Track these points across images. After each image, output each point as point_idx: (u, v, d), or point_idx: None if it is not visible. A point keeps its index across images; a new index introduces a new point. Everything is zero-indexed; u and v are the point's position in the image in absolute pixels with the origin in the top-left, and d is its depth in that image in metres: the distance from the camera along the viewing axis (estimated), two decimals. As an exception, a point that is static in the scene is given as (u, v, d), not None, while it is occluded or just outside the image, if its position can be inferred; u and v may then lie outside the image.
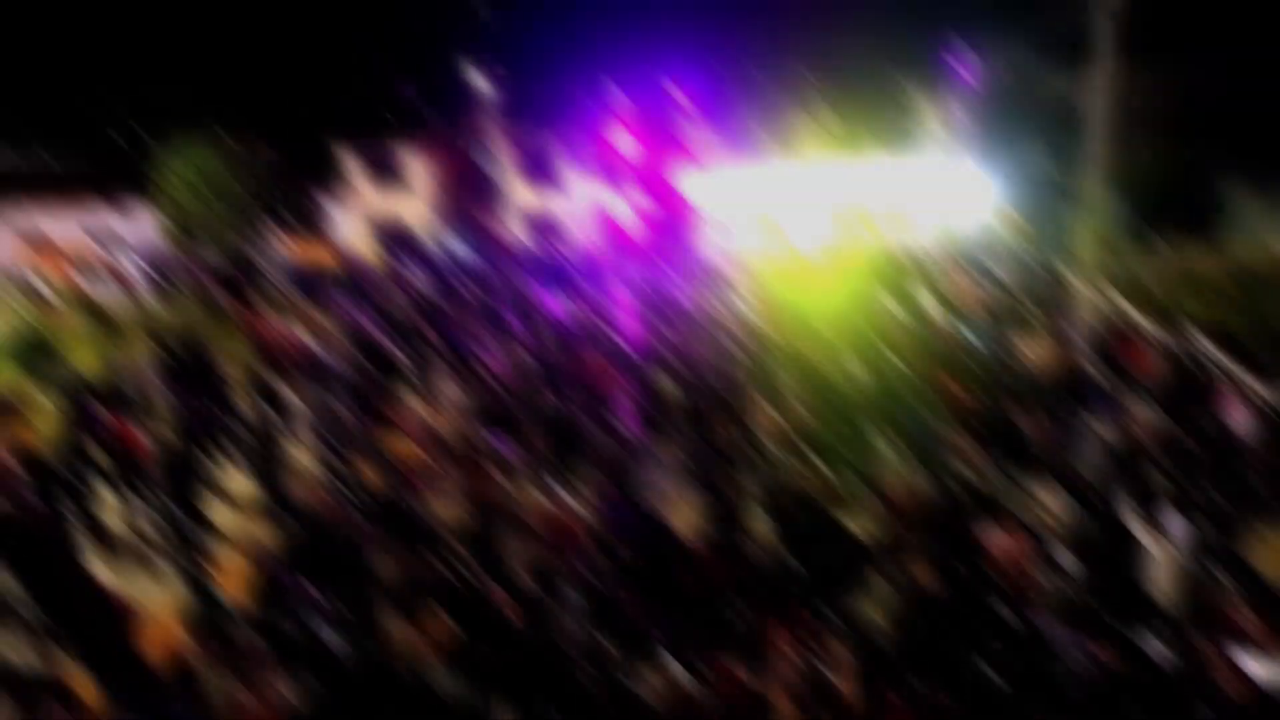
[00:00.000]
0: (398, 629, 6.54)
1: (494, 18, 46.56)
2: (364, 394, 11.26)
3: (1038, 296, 15.43)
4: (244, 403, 11.57)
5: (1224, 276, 15.93)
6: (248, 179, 18.62)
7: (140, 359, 12.91)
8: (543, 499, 8.04)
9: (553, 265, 23.35)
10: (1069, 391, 10.41)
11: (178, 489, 8.41)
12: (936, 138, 39.61)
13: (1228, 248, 18.22)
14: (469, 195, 33.77)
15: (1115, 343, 12.43)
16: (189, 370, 12.05)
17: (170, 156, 19.01)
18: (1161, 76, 25.09)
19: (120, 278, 22.32)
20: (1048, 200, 29.59)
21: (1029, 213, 28.44)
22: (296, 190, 20.22)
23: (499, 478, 8.57)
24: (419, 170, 31.09)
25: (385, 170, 30.76)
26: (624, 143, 27.48)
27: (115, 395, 10.92)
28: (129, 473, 8.90)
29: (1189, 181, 23.54)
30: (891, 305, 15.42)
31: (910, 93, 41.75)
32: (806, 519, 7.38)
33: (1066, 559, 6.78)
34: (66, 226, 28.74)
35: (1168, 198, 22.79)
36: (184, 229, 19.07)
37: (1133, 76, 23.32)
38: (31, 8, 41.89)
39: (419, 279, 20.16)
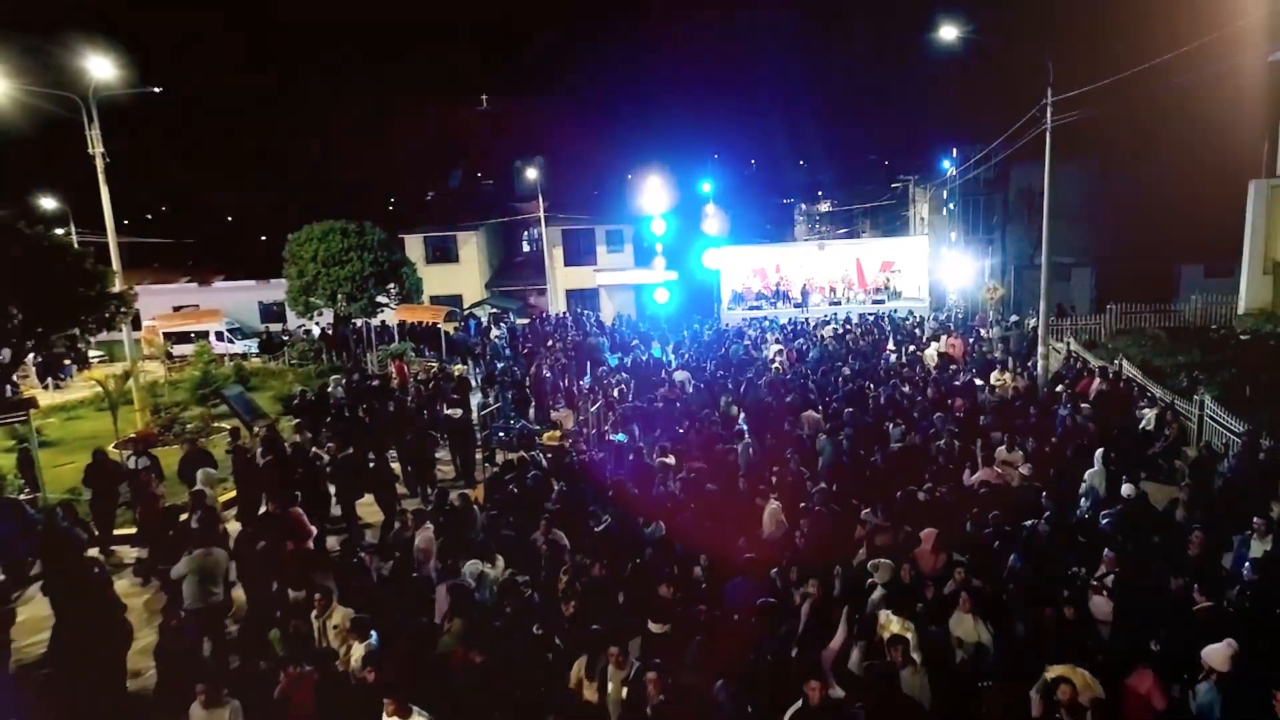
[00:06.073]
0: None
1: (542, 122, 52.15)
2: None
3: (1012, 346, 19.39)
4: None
5: (1160, 330, 19.89)
6: (361, 255, 22.58)
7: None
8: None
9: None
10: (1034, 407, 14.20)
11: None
12: (928, 220, 44.37)
13: (1170, 311, 22.22)
14: (517, 272, 38.26)
15: (1071, 375, 16.25)
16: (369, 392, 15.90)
17: (298, 239, 23.04)
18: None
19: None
20: (1022, 272, 33.97)
21: (1006, 282, 32.69)
22: (397, 265, 24.24)
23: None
24: (473, 253, 35.80)
25: (446, 253, 35.64)
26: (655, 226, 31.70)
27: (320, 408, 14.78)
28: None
29: (1144, 258, 27.71)
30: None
31: (906, 183, 46.88)
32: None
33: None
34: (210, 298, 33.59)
35: (1128, 271, 27.01)
36: (308, 296, 22.94)
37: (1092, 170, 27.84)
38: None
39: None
